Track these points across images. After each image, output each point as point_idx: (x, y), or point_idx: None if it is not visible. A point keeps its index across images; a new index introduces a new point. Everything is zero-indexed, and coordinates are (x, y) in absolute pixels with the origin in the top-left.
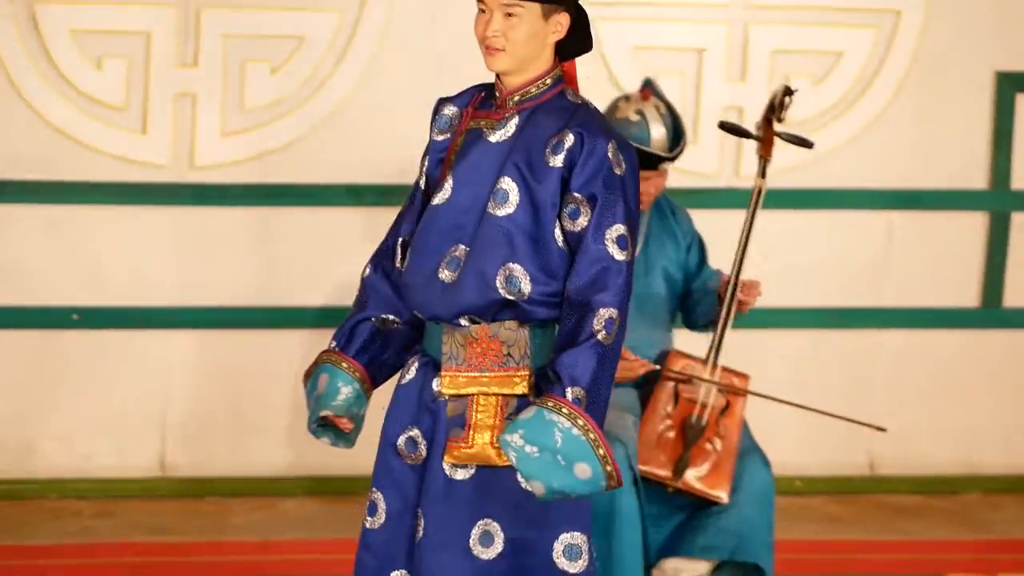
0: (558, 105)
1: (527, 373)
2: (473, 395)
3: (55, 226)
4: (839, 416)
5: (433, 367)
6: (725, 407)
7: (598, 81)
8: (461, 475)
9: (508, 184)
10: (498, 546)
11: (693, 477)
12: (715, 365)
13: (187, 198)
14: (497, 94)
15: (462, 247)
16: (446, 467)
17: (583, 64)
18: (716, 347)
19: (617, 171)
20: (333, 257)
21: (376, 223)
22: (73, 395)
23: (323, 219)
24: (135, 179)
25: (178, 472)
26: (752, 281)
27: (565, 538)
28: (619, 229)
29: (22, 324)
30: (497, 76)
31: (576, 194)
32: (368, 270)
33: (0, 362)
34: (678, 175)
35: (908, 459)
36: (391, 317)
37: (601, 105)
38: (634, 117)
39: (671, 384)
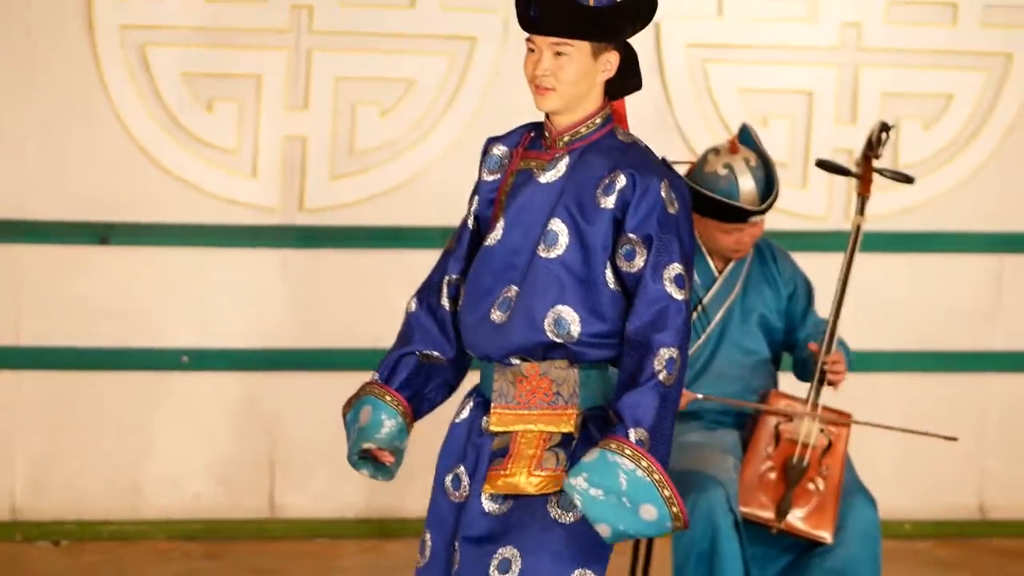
0: (608, 145)
1: (574, 412)
2: (519, 431)
3: (165, 268)
4: (908, 430)
5: (484, 406)
6: (827, 447)
7: (707, 123)
8: (496, 509)
9: (558, 226)
10: (514, 572)
11: (796, 518)
12: (815, 405)
13: (296, 240)
14: (547, 134)
15: (514, 288)
16: (484, 501)
17: (688, 105)
18: (816, 387)
19: (671, 210)
20: None
21: None
22: (181, 436)
23: (433, 261)
24: (245, 221)
25: (287, 513)
26: (836, 354)
27: (578, 574)
28: (676, 268)
29: (131, 366)
30: (546, 116)
31: (631, 235)
32: (413, 305)
33: (109, 403)
34: (787, 218)
35: (1019, 503)
36: (435, 353)
37: (704, 147)
38: (722, 171)
39: (772, 425)
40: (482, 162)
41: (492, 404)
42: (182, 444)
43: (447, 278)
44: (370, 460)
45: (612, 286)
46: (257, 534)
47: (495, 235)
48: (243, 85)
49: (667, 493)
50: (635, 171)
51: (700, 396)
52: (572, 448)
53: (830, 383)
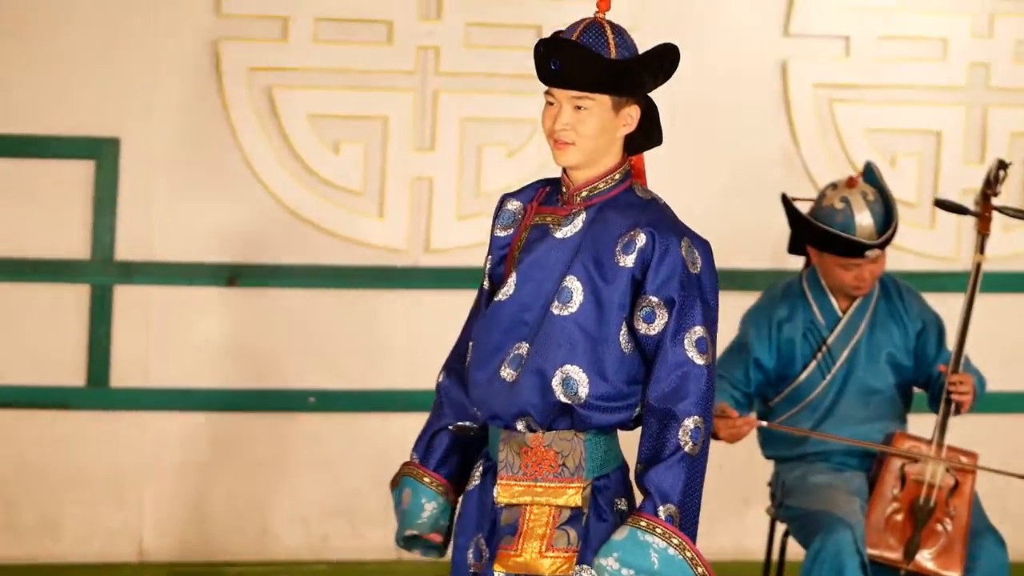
0: (627, 201)
1: (582, 484)
2: (527, 504)
3: (292, 309)
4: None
5: (494, 472)
6: (954, 487)
7: (834, 162)
8: None
9: (573, 283)
10: None
11: (925, 559)
12: (940, 445)
13: (423, 281)
14: (564, 189)
15: (525, 345)
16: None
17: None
18: (941, 427)
19: (692, 270)
20: None
21: None
22: (308, 476)
23: None
24: (371, 263)
25: (414, 555)
26: (963, 375)
27: None
28: (698, 332)
29: (259, 406)
30: (564, 170)
31: (652, 297)
32: (442, 376)
33: (237, 444)
34: (915, 259)
35: None
36: (467, 424)
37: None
38: (839, 205)
39: (898, 466)
40: (496, 218)
41: (499, 473)
42: (310, 485)
43: (471, 342)
44: (419, 540)
45: (625, 347)
46: (384, 574)
47: (506, 290)
48: (370, 127)
49: (701, 571)
50: (655, 229)
51: (765, 424)
52: (584, 523)
53: (955, 405)
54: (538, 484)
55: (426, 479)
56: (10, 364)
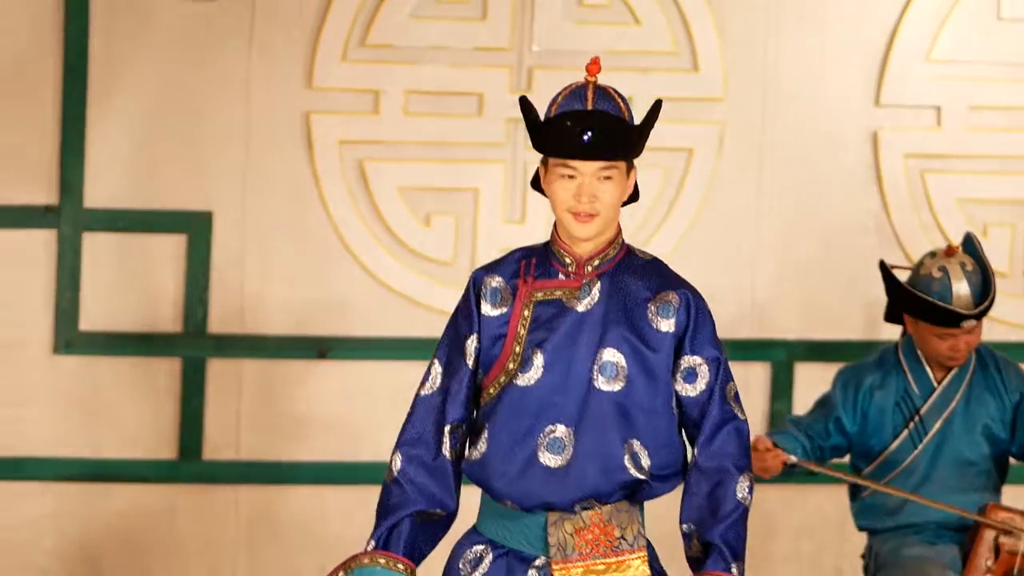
0: (633, 263)
1: (643, 554)
2: None
3: (383, 382)
4: None
5: (517, 559)
6: None
7: (925, 232)
8: None
9: (614, 355)
10: None
11: None
12: None
13: None
14: (567, 260)
15: (561, 427)
16: None
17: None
18: None
19: (715, 326)
20: None
21: None
22: None
23: None
24: None
25: None
26: None
27: None
28: (734, 387)
29: (351, 480)
30: (558, 241)
31: (694, 357)
32: (399, 463)
33: (329, 517)
34: (1009, 330)
35: None
36: (437, 511)
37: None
38: (937, 274)
39: (991, 537)
40: (479, 296)
41: (552, 560)
42: None
43: (448, 426)
44: None
45: (674, 411)
46: None
47: (531, 374)
48: (460, 199)
49: None
50: (686, 291)
51: (794, 459)
52: None
53: None
54: (598, 562)
55: (400, 565)
56: (103, 437)
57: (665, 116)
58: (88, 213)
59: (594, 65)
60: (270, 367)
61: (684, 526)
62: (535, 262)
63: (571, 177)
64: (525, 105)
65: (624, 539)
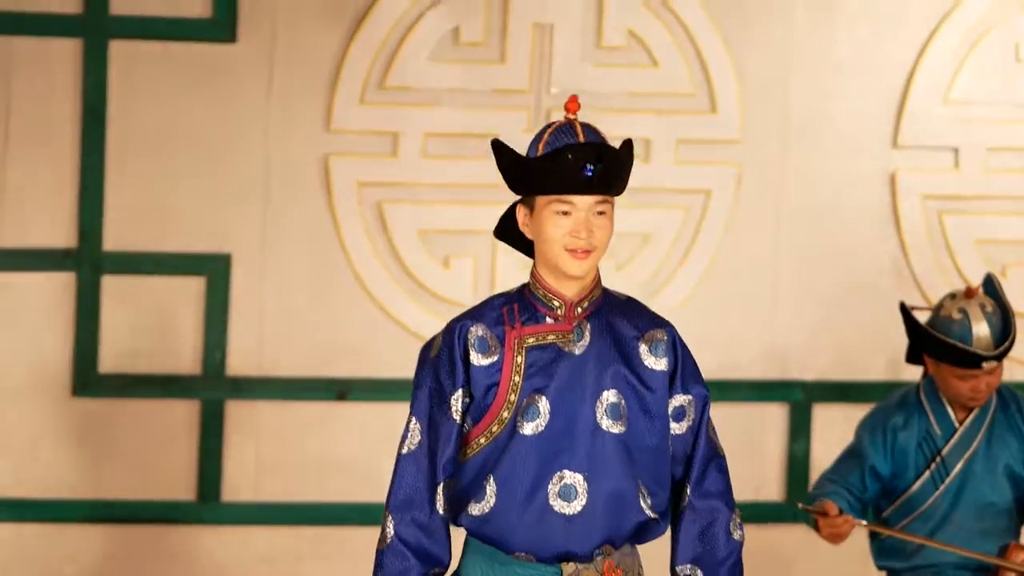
0: (612, 302)
1: None
2: None
3: (401, 423)
4: None
5: None
6: None
7: (943, 274)
8: None
9: (616, 396)
10: None
11: None
12: None
13: None
14: (555, 304)
15: (568, 473)
16: None
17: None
18: None
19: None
20: None
21: (712, 417)
22: None
23: None
24: None
25: None
26: None
27: None
28: (712, 421)
29: (370, 521)
30: (543, 285)
31: (684, 396)
32: (394, 529)
33: (346, 558)
34: None
35: None
36: (435, 570)
37: (940, 298)
38: (956, 315)
39: None
40: (466, 347)
41: None
42: None
43: (441, 484)
44: None
45: (668, 450)
46: None
47: (539, 422)
48: (479, 241)
49: None
50: (671, 327)
51: (864, 523)
52: None
53: None
54: None
55: None
56: (121, 479)
57: (683, 157)
58: (107, 256)
59: (572, 103)
60: (288, 409)
61: (679, 568)
62: (517, 308)
63: (566, 214)
64: (499, 147)
65: None
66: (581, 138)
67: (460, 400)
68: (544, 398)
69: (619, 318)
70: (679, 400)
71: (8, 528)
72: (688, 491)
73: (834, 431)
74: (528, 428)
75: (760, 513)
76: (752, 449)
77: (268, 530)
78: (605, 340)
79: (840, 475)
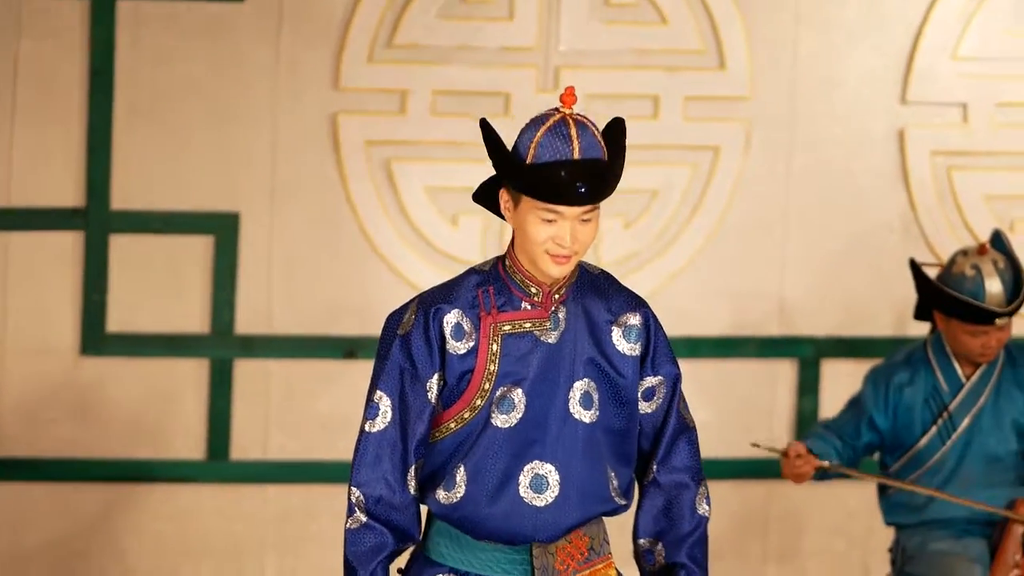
0: (586, 281)
1: (609, 559)
2: None
3: None
4: None
5: None
6: None
7: (952, 230)
8: None
9: (589, 386)
10: None
11: None
12: None
13: None
14: (532, 290)
15: (542, 464)
16: None
17: None
18: None
19: (667, 337)
20: None
21: (721, 374)
22: None
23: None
24: None
25: None
26: None
27: None
28: (682, 393)
29: None
30: (520, 269)
31: (655, 377)
32: (366, 509)
33: None
34: None
35: None
36: (406, 546)
37: (949, 254)
38: (969, 272)
39: (1020, 532)
40: (442, 331)
41: None
42: None
43: (415, 465)
44: None
45: (636, 430)
46: None
47: (514, 414)
48: None
49: None
50: (645, 308)
51: (827, 464)
52: None
53: None
54: None
55: None
56: (131, 438)
57: (691, 114)
58: (115, 215)
59: (569, 96)
60: (297, 367)
61: (642, 540)
62: (493, 291)
63: (551, 221)
64: (488, 133)
65: (593, 549)
66: (576, 154)
67: (437, 384)
68: (519, 390)
69: (593, 300)
70: (649, 382)
71: (17, 488)
72: (654, 466)
73: (843, 387)
74: (501, 420)
75: (770, 468)
76: (761, 405)
77: (277, 488)
78: (579, 326)
79: (835, 421)
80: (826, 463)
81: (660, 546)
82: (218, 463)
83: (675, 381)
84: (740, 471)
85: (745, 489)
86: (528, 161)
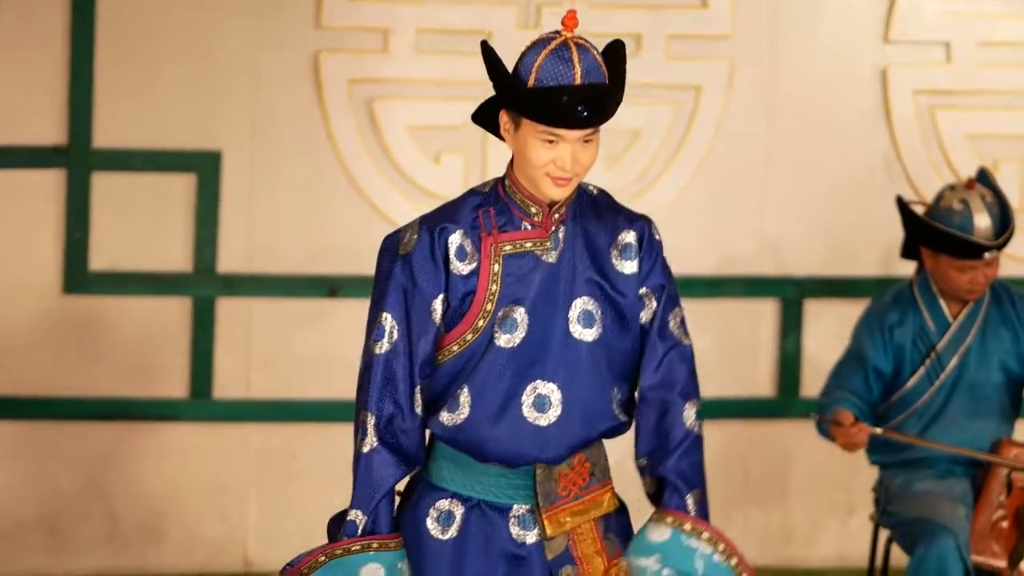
0: (585, 200)
1: (610, 485)
2: (572, 529)
3: None
4: None
5: (492, 509)
6: None
7: (935, 169)
8: None
9: (590, 304)
10: None
11: None
12: None
13: None
14: (532, 210)
15: (544, 384)
16: None
17: None
18: None
19: (663, 252)
20: None
21: (704, 314)
22: None
23: None
24: None
25: None
26: None
27: None
28: (679, 312)
29: None
30: (521, 189)
31: (644, 288)
32: (375, 431)
33: (339, 454)
34: (1016, 264)
35: None
36: (414, 470)
37: (933, 193)
38: (957, 206)
39: (1004, 473)
40: (447, 252)
41: (542, 508)
42: None
43: (418, 386)
44: None
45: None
46: None
47: (517, 334)
48: (470, 137)
49: None
50: (640, 223)
51: (879, 431)
52: (612, 521)
53: None
54: (575, 502)
55: (391, 544)
56: (113, 377)
57: (674, 53)
58: (97, 153)
59: (570, 19)
60: (280, 306)
61: (638, 461)
62: (493, 212)
63: (552, 143)
64: (489, 56)
65: (594, 474)
66: (578, 79)
67: (442, 306)
68: (521, 308)
69: (592, 220)
70: (641, 292)
71: (1, 427)
72: (642, 383)
73: (826, 326)
74: (504, 340)
75: (753, 408)
76: (744, 345)
77: (260, 427)
78: (578, 245)
79: (845, 380)
80: (878, 430)
81: (651, 464)
82: (201, 401)
83: (662, 291)
84: (724, 411)
85: (728, 428)
86: (529, 85)
